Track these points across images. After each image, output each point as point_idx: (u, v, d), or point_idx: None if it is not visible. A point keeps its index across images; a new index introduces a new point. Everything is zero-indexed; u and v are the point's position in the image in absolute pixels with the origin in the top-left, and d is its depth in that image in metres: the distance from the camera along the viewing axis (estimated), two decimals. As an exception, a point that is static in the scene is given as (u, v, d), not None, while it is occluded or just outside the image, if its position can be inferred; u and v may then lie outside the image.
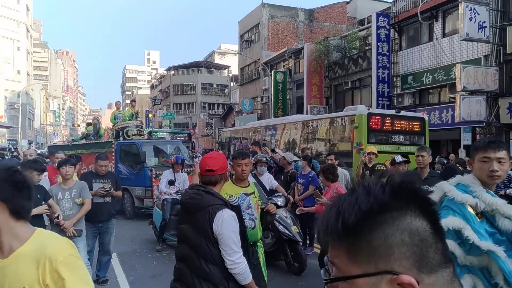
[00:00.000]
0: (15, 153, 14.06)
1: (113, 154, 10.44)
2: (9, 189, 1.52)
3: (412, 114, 12.51)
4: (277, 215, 5.20)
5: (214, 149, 18.29)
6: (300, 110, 23.59)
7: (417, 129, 11.88)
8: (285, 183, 7.49)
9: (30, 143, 39.18)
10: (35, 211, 4.04)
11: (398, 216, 0.63)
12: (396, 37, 17.80)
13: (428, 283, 0.61)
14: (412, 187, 0.66)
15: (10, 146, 17.24)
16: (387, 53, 17.48)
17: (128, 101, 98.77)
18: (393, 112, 12.09)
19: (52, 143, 19.20)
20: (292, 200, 6.70)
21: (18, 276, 1.46)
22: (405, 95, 16.87)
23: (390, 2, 18.90)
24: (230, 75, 48.91)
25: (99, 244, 5.50)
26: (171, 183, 7.39)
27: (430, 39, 16.04)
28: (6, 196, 1.50)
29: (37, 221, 4.15)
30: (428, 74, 15.83)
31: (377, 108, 16.47)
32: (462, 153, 12.74)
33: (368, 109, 11.33)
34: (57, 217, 4.45)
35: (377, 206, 0.63)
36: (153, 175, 9.75)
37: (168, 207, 7.11)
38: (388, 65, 17.51)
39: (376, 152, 7.18)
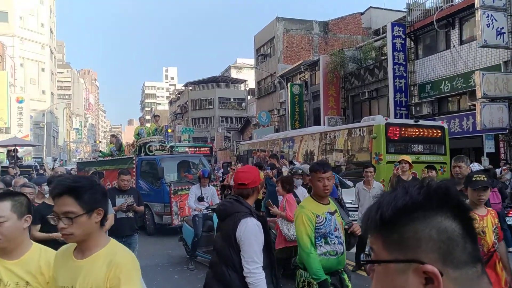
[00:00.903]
0: (40, 171, 14.50)
1: (134, 170, 10.37)
2: (104, 199, 1.78)
3: (431, 123, 12.38)
4: None
5: (233, 162, 18.38)
6: (317, 122, 23.58)
7: (437, 138, 11.74)
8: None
9: (54, 160, 40.27)
10: (54, 235, 4.15)
11: (429, 215, 0.72)
12: (412, 46, 17.71)
13: (452, 277, 0.68)
14: (447, 191, 0.74)
15: (36, 164, 17.84)
16: (404, 63, 17.40)
17: (148, 117, 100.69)
18: (411, 121, 12.01)
19: (81, 159, 19.88)
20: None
21: (90, 276, 1.66)
22: (423, 104, 16.69)
23: (405, 12, 18.86)
24: (247, 89, 49.37)
25: (122, 259, 5.61)
26: (200, 199, 7.13)
27: (447, 47, 15.90)
28: (103, 205, 1.76)
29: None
30: (447, 82, 15.66)
31: (395, 118, 16.34)
32: (485, 161, 12.48)
33: (386, 119, 11.31)
34: None
35: (411, 204, 0.73)
36: (172, 191, 9.51)
37: (199, 223, 6.90)
38: (404, 75, 17.40)
39: (409, 160, 6.34)
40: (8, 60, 30.27)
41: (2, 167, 15.24)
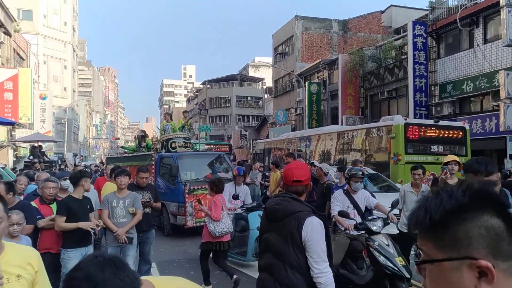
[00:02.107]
0: (62, 166, 14.84)
1: (153, 167, 9.94)
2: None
3: (452, 124, 12.14)
4: (376, 243, 4.62)
5: (249, 161, 18.40)
6: (335, 121, 23.40)
7: (458, 139, 11.50)
8: (321, 194, 7.43)
9: (75, 155, 41.16)
10: (81, 225, 4.30)
11: (476, 215, 0.78)
12: (434, 45, 17.37)
13: (502, 268, 0.75)
14: (488, 193, 0.80)
15: (58, 160, 18.31)
16: (424, 62, 17.08)
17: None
18: (431, 121, 11.79)
19: (110, 154, 20.72)
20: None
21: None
22: (444, 104, 16.36)
23: (427, 10, 18.51)
24: (264, 87, 49.37)
25: (140, 254, 5.71)
26: (235, 197, 6.74)
27: (471, 46, 15.53)
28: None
29: (85, 231, 4.40)
30: (469, 81, 15.30)
31: (414, 118, 16.08)
32: (508, 163, 12.15)
33: (405, 119, 11.14)
34: (94, 232, 4.66)
35: (458, 207, 0.79)
36: (187, 191, 8.97)
37: (233, 222, 6.47)
38: (425, 74, 17.09)
39: (458, 160, 5.44)
40: (32, 57, 31.05)
41: (26, 161, 15.68)
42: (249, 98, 48.63)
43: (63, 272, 4.19)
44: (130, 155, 11.89)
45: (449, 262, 0.78)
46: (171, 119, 11.51)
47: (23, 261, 1.93)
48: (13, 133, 23.87)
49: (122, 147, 13.65)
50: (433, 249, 0.81)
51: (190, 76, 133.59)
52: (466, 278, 0.76)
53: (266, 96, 46.34)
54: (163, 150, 10.43)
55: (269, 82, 45.40)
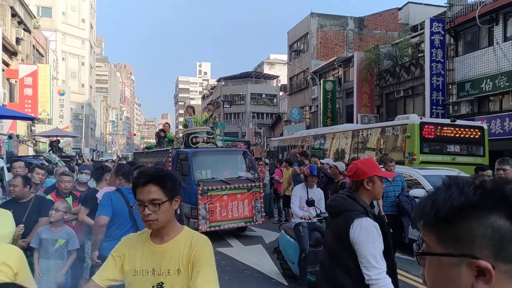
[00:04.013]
0: (79, 161, 15.15)
1: (170, 164, 9.27)
2: (180, 188, 1.91)
3: (469, 123, 11.92)
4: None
5: (263, 158, 18.42)
6: (350, 119, 23.23)
7: (475, 139, 11.29)
8: (334, 193, 7.43)
9: (93, 151, 41.92)
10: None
11: (484, 214, 0.75)
12: (452, 42, 17.07)
13: (503, 270, 0.73)
14: (503, 193, 0.76)
15: (76, 155, 18.70)
16: (442, 60, 16.80)
17: (181, 111, 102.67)
18: (447, 121, 11.61)
19: (137, 149, 21.16)
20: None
21: (174, 258, 1.80)
22: (462, 103, 16.08)
23: (445, 7, 18.19)
24: (279, 84, 49.28)
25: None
26: (311, 203, 5.43)
27: (490, 43, 15.21)
28: (180, 194, 1.89)
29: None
30: (488, 80, 15.00)
31: (431, 117, 15.86)
32: (526, 165, 11.88)
33: (421, 118, 10.98)
34: None
35: (467, 204, 0.76)
36: (200, 191, 8.17)
37: (305, 234, 5.42)
38: (442, 72, 16.81)
39: None
40: (51, 54, 31.68)
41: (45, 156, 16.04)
42: (263, 95, 48.63)
43: (86, 264, 4.30)
44: (151, 150, 11.53)
45: (449, 257, 0.77)
46: (194, 113, 10.70)
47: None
48: (33, 128, 24.46)
49: (147, 147, 13.33)
50: (435, 242, 0.80)
51: (205, 73, 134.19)
52: (464, 276, 0.75)
53: (280, 93, 46.28)
54: (183, 146, 9.71)
55: (284, 80, 45.31)
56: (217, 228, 8.31)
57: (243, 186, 8.68)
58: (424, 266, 0.83)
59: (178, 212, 5.79)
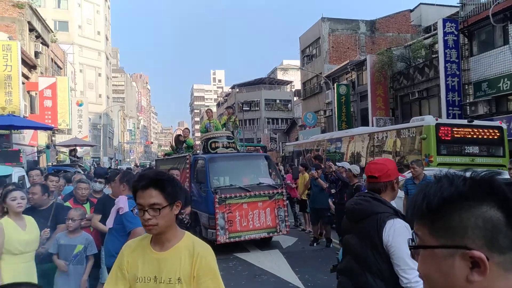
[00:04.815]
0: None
1: (188, 170, 8.84)
2: (181, 193, 1.87)
3: (487, 123, 11.72)
4: None
5: (278, 163, 18.46)
6: (365, 123, 23.08)
7: (494, 139, 11.10)
8: (351, 196, 7.39)
9: (111, 159, 42.63)
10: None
11: (474, 205, 0.76)
12: (466, 42, 16.85)
13: (497, 261, 0.73)
14: (491, 183, 0.77)
15: (94, 163, 19.15)
16: (456, 60, 16.59)
17: (197, 119, 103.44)
18: (464, 121, 11.45)
19: (158, 157, 21.63)
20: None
21: (175, 266, 1.77)
22: (479, 103, 15.81)
23: (458, 7, 17.99)
24: (293, 90, 49.32)
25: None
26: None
27: (506, 42, 14.96)
28: (181, 198, 1.84)
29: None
30: (506, 79, 14.73)
31: (447, 118, 15.65)
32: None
33: (437, 120, 10.87)
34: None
35: (457, 195, 0.77)
36: (217, 200, 7.64)
37: None
38: (457, 73, 16.59)
39: None
40: (69, 66, 32.51)
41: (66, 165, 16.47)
42: (277, 101, 48.71)
43: (102, 268, 4.41)
44: (170, 157, 11.20)
45: (442, 249, 0.77)
46: (213, 117, 10.38)
47: None
48: (53, 138, 25.08)
49: (166, 153, 13.11)
50: (428, 235, 0.79)
51: (220, 80, 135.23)
52: (458, 268, 0.74)
53: (294, 98, 46.28)
54: (200, 152, 9.38)
55: (297, 85, 45.32)
56: (237, 239, 7.74)
57: (264, 193, 8.07)
58: (418, 261, 0.83)
59: (187, 221, 5.69)
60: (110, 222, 4.12)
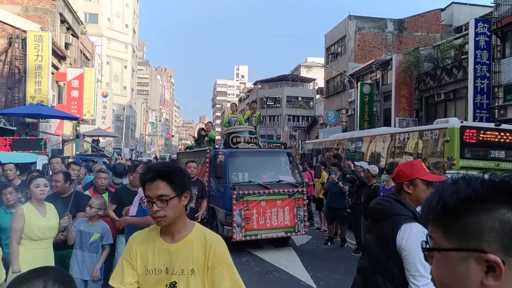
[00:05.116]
0: (117, 159, 15.82)
1: (208, 165, 8.69)
2: (189, 184, 1.84)
3: (516, 128, 11.29)
4: None
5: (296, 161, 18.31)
6: (387, 123, 22.66)
7: (522, 145, 10.68)
8: (368, 197, 7.29)
9: (131, 151, 43.45)
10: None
11: (492, 207, 0.73)
12: (499, 43, 16.25)
13: None
14: (510, 186, 0.74)
15: (114, 153, 19.56)
16: (487, 62, 16.03)
17: (218, 114, 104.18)
18: (491, 125, 11.07)
19: (179, 150, 22.04)
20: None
21: (188, 258, 1.76)
22: (509, 107, 15.25)
23: (492, 7, 17.37)
24: (316, 88, 48.91)
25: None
26: None
27: (540, 44, 14.36)
28: (190, 189, 1.83)
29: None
30: (538, 83, 14.16)
31: (473, 121, 15.17)
32: None
33: (462, 122, 10.54)
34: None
35: (474, 196, 0.75)
36: (235, 196, 7.46)
37: None
38: (488, 75, 16.03)
39: None
40: (97, 58, 33.25)
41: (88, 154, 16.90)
42: (299, 98, 48.42)
43: (115, 255, 4.49)
44: (191, 150, 11.07)
45: (457, 252, 0.74)
46: (237, 111, 10.02)
47: None
48: (78, 128, 25.75)
49: (188, 147, 12.64)
50: (442, 238, 0.78)
51: (243, 76, 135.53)
52: (473, 271, 0.72)
53: (317, 96, 45.88)
54: (222, 146, 9.24)
55: (320, 83, 44.92)
56: (253, 237, 7.56)
57: (284, 191, 7.84)
58: (432, 264, 0.81)
59: (204, 216, 5.69)
60: (133, 210, 4.24)
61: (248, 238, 7.47)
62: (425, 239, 0.83)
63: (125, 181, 5.71)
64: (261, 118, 10.06)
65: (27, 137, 13.35)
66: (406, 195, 2.26)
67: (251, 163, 8.59)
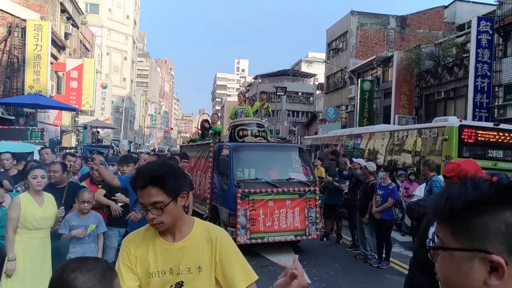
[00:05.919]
0: (115, 152, 15.78)
1: (211, 160, 8.07)
2: (184, 181, 1.75)
3: (514, 128, 11.28)
4: None
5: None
6: (387, 120, 22.66)
7: (521, 145, 10.68)
8: (365, 194, 7.29)
9: (130, 142, 43.39)
10: (113, 205, 4.57)
11: (499, 210, 0.75)
12: (501, 42, 16.20)
13: None
14: None
15: (112, 145, 19.52)
16: (489, 61, 15.98)
17: (218, 108, 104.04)
18: (490, 124, 11.07)
19: (184, 143, 21.93)
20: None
21: (194, 255, 1.69)
22: (509, 107, 15.24)
23: (495, 5, 17.29)
24: (316, 83, 48.82)
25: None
26: None
27: (542, 44, 14.32)
28: (185, 188, 1.72)
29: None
30: (538, 83, 14.13)
31: (473, 120, 15.16)
32: None
33: (461, 121, 10.54)
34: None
35: (482, 199, 0.77)
36: (239, 194, 6.82)
37: None
38: (488, 74, 16.00)
39: None
40: (97, 49, 33.08)
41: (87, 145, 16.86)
42: (299, 93, 48.35)
43: (105, 245, 4.47)
44: (195, 144, 10.43)
45: (462, 252, 0.77)
46: (245, 102, 9.39)
47: None
48: (76, 119, 25.69)
49: (191, 139, 12.44)
50: (449, 237, 0.80)
51: (243, 70, 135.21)
52: (477, 271, 0.75)
53: (317, 92, 45.81)
54: (227, 139, 8.57)
55: (321, 78, 44.82)
56: (259, 240, 6.90)
57: (294, 190, 7.12)
58: (437, 262, 0.84)
59: (206, 215, 5.59)
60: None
61: (253, 241, 6.83)
62: (432, 238, 0.86)
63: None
64: (270, 110, 9.37)
65: (17, 127, 13.29)
66: None
67: (259, 158, 7.84)
